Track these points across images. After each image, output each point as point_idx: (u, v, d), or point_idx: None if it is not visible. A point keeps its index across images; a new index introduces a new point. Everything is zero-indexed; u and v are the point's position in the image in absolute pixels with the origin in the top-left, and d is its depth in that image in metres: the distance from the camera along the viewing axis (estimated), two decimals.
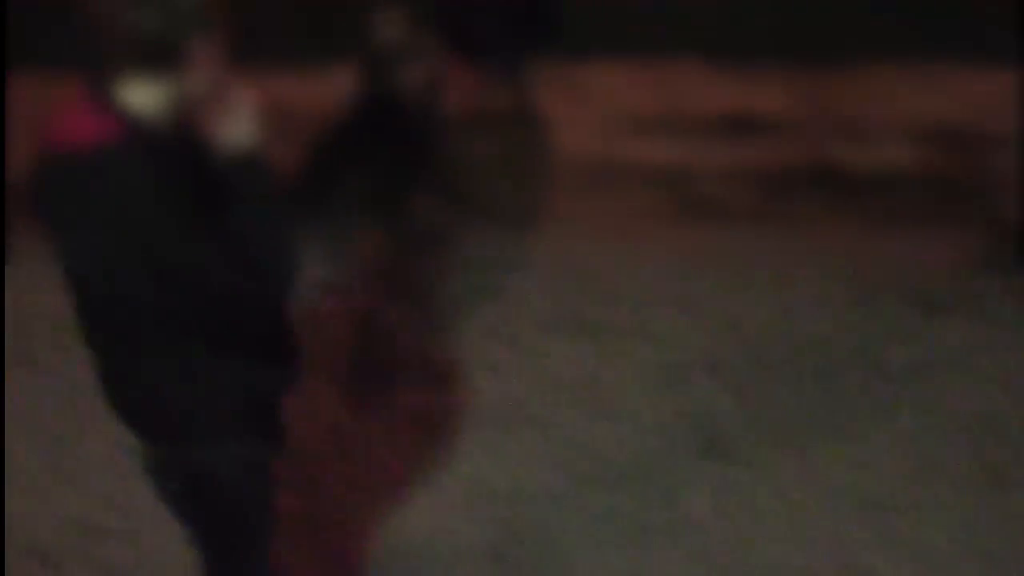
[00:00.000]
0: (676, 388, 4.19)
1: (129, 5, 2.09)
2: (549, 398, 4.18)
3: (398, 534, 3.58)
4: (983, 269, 4.81)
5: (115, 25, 2.09)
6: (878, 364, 4.23)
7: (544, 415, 4.10)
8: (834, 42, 6.39)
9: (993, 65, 5.75)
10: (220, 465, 2.38)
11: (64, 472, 4.00)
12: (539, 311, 4.69)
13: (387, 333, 4.15)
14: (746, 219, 5.34)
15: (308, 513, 3.23)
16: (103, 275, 2.16)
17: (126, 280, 2.14)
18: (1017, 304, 4.58)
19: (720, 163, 5.79)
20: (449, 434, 3.90)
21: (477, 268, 4.89)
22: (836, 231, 5.20)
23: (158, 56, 2.12)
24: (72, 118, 2.16)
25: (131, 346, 2.26)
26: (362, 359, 3.83)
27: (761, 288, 4.78)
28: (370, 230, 5.18)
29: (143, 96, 2.14)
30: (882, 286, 4.71)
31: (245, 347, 2.32)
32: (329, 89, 4.93)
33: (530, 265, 4.90)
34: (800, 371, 4.23)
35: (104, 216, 2.08)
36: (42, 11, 6.92)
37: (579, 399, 4.17)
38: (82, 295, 2.25)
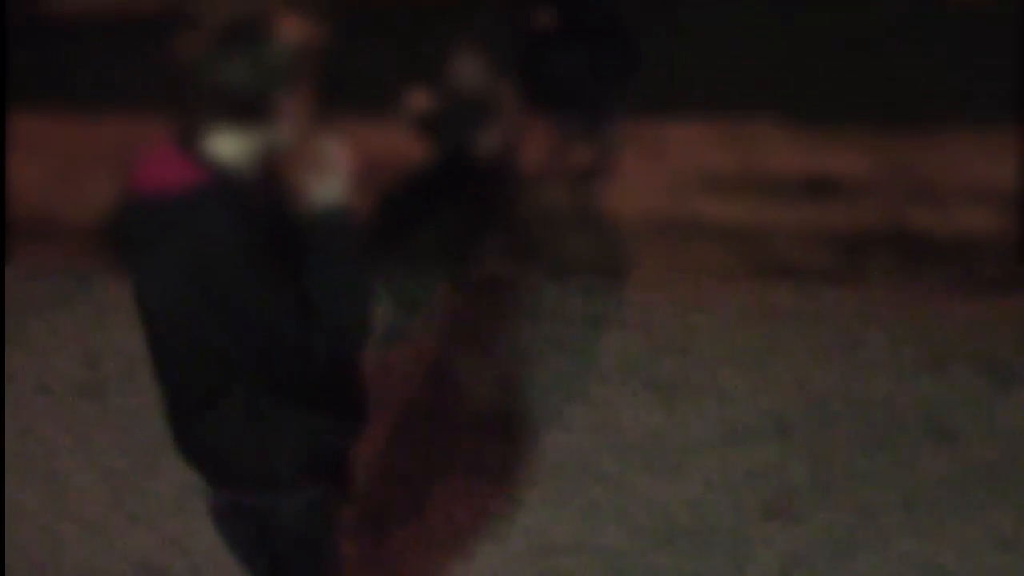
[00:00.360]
0: (743, 447, 4.19)
1: (219, 58, 2.11)
2: (616, 453, 4.19)
3: None
4: None
5: (205, 77, 2.12)
6: (947, 432, 4.19)
7: (610, 470, 4.11)
8: (912, 106, 6.41)
9: None
10: (285, 511, 2.39)
11: (128, 510, 4.07)
12: (609, 366, 4.71)
13: (455, 382, 4.21)
14: (819, 279, 5.32)
15: (372, 560, 3.26)
16: (179, 318, 2.19)
17: (200, 325, 2.16)
18: None
19: (795, 223, 5.80)
20: (513, 485, 3.95)
21: (546, 320, 4.96)
22: (909, 294, 5.16)
23: (246, 108, 2.15)
24: (159, 164, 2.19)
25: (202, 390, 2.28)
26: (429, 407, 3.87)
27: (831, 349, 4.76)
28: (441, 281, 5.27)
29: (230, 146, 2.19)
30: (953, 352, 4.66)
31: (314, 396, 2.32)
32: (407, 138, 5.04)
33: (601, 320, 4.97)
34: (868, 434, 4.20)
35: (184, 261, 2.10)
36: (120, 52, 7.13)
37: (646, 455, 4.18)
38: (156, 335, 2.28)
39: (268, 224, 2.16)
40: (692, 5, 8.12)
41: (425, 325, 5.05)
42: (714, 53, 7.45)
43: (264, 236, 2.13)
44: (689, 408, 4.42)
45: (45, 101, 7.61)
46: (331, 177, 2.21)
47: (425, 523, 3.89)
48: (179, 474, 2.55)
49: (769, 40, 7.53)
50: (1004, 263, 5.37)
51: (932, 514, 3.79)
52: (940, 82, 6.36)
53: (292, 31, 2.15)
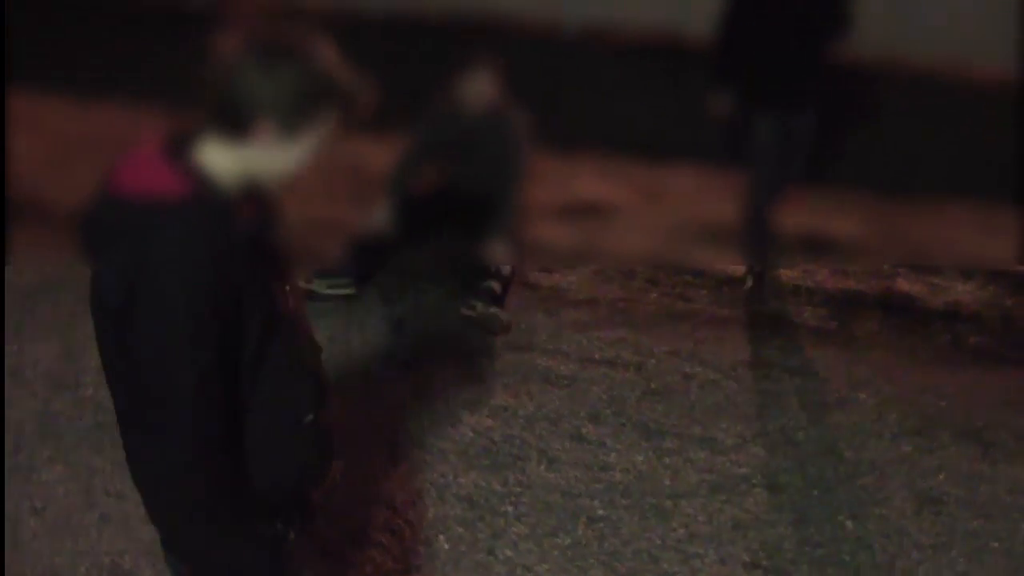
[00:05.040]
0: (731, 497, 4.23)
1: (247, 72, 2.07)
2: (604, 493, 4.22)
3: None
4: None
5: (230, 87, 2.08)
6: (932, 498, 4.24)
7: (597, 510, 4.14)
8: (909, 176, 6.50)
9: None
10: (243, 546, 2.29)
11: (99, 510, 4.04)
12: (599, 404, 4.74)
13: (448, 412, 4.19)
14: (810, 337, 5.38)
15: None
16: (110, 325, 2.12)
17: (158, 328, 2.07)
18: None
19: (788, 279, 5.86)
20: (499, 518, 3.95)
21: (540, 355, 4.98)
22: (897, 359, 5.23)
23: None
24: (143, 166, 2.14)
25: (136, 410, 2.21)
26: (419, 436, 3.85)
27: (820, 407, 4.81)
28: (440, 308, 5.28)
29: (222, 161, 2.14)
30: (939, 419, 4.73)
31: (284, 430, 2.28)
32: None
33: (594, 358, 5.00)
34: (855, 496, 4.25)
35: (132, 268, 2.05)
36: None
37: (633, 498, 4.21)
38: (108, 334, 2.19)
39: (247, 240, 2.13)
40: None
41: (420, 351, 5.07)
42: None
43: (241, 252, 2.10)
44: (678, 454, 4.46)
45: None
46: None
47: (406, 550, 3.90)
48: None
49: None
50: (991, 336, 5.45)
51: None
52: (940, 154, 6.45)
53: (326, 58, 2.13)
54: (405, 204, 5.23)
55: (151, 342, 2.06)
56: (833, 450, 4.53)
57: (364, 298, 5.32)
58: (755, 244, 5.76)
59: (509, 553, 3.93)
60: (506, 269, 5.21)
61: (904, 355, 5.28)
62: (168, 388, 2.07)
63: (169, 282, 2.03)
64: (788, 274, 5.89)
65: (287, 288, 2.25)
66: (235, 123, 2.09)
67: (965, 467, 4.43)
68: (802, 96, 5.46)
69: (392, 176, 5.22)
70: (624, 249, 6.08)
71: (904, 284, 5.89)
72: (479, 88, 5.04)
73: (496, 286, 5.14)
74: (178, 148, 2.15)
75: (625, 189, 6.64)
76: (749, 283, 5.79)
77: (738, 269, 5.87)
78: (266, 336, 2.16)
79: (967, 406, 4.82)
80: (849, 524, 4.11)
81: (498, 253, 5.17)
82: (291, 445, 2.27)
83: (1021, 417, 4.75)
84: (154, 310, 2.04)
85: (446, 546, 3.94)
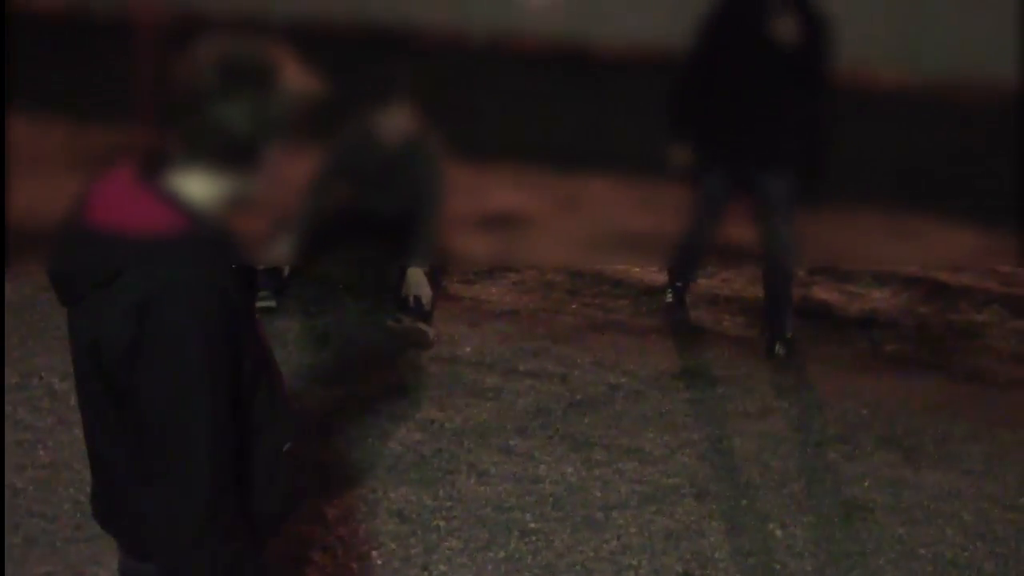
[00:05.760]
0: (662, 507, 4.24)
1: (218, 97, 1.99)
2: (535, 506, 4.20)
3: None
4: (958, 416, 4.91)
5: (199, 114, 2.00)
6: (858, 505, 4.30)
7: (530, 523, 4.12)
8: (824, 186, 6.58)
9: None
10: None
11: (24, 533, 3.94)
12: (527, 416, 4.73)
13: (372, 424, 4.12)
14: (731, 345, 5.43)
15: None
16: (150, 358, 2.00)
17: (173, 366, 1.98)
18: (988, 450, 4.68)
19: (706, 287, 5.91)
20: (431, 532, 3.89)
21: (464, 367, 4.95)
22: (817, 367, 5.30)
23: (235, 153, 2.03)
24: (120, 196, 2.05)
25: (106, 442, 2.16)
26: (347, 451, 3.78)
27: (744, 416, 4.85)
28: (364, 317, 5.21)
29: (202, 189, 2.05)
30: (861, 426, 4.80)
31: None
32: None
33: (518, 369, 4.98)
34: (782, 504, 4.29)
35: (165, 305, 1.97)
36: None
37: (565, 510, 4.20)
38: (99, 380, 2.09)
39: (237, 298, 2.05)
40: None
41: (344, 364, 5.02)
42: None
43: (231, 311, 2.02)
44: (608, 465, 4.46)
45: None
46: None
47: (340, 568, 3.85)
48: None
49: None
50: (907, 342, 5.54)
51: None
52: (855, 166, 6.56)
53: (295, 81, 2.05)
54: (316, 221, 5.14)
55: (165, 381, 1.97)
56: (759, 458, 4.56)
57: (285, 311, 5.25)
58: (680, 270, 5.69)
59: (443, 568, 3.89)
60: (427, 288, 5.17)
61: (823, 362, 5.36)
62: (183, 430, 1.98)
63: (182, 318, 1.95)
64: (706, 283, 5.94)
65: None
66: (238, 155, 2.03)
67: (889, 473, 4.50)
68: (771, 156, 5.11)
69: (305, 193, 5.12)
70: (541, 259, 6.08)
71: (821, 292, 5.98)
72: (397, 123, 4.99)
73: (426, 301, 5.11)
74: (151, 175, 2.06)
75: (540, 199, 6.64)
76: (669, 298, 5.74)
77: (656, 279, 5.90)
78: (257, 367, 2.11)
79: (888, 412, 4.89)
80: (779, 532, 4.14)
81: (420, 272, 5.15)
82: (274, 474, 2.21)
83: (941, 423, 4.84)
84: (168, 348, 1.96)
85: (379, 562, 3.90)
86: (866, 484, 4.42)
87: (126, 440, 2.09)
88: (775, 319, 5.33)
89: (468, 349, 5.19)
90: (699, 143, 5.18)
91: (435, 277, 5.37)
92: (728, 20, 5.01)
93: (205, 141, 2.02)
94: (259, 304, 5.15)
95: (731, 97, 5.00)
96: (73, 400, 2.37)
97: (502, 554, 3.97)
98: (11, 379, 4.66)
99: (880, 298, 5.93)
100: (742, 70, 4.99)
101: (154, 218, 2.01)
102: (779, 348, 5.27)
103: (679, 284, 5.71)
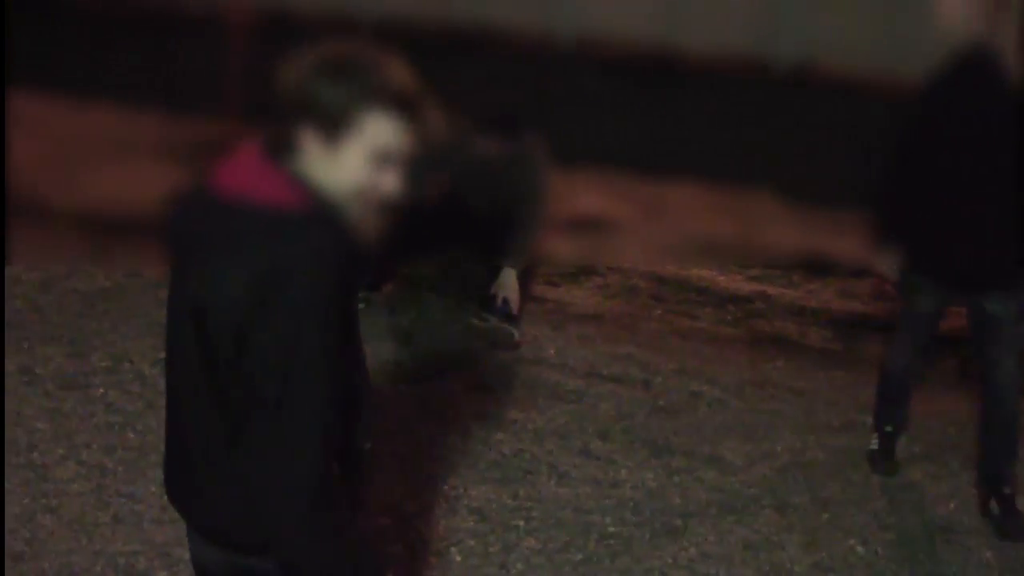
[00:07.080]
0: (741, 517, 4.21)
1: (321, 83, 2.07)
2: (614, 510, 4.20)
3: None
4: None
5: (306, 97, 2.08)
6: (947, 527, 4.24)
7: (608, 527, 4.11)
8: None
9: None
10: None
11: (112, 510, 4.00)
12: (608, 421, 4.72)
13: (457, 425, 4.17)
14: (813, 357, 5.38)
15: None
16: (272, 320, 2.05)
17: (293, 327, 2.03)
18: None
19: (791, 299, 5.86)
20: (511, 532, 3.92)
21: (548, 369, 4.96)
22: None
23: (342, 131, 2.09)
24: (247, 169, 2.13)
25: (197, 413, 2.18)
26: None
27: (826, 428, 4.80)
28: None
29: (324, 174, 2.11)
30: (947, 446, 4.73)
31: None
32: None
33: (602, 373, 4.97)
34: (865, 521, 4.24)
35: (287, 274, 2.02)
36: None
37: (644, 515, 4.18)
38: (183, 338, 2.16)
39: (353, 266, 2.12)
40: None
41: (427, 363, 5.04)
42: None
43: (349, 278, 2.09)
44: (688, 472, 4.44)
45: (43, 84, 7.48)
46: None
47: (419, 562, 3.87)
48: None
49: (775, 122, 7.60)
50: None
51: None
52: None
53: (398, 73, 2.13)
54: (409, 213, 5.16)
55: (283, 349, 2.02)
56: (841, 473, 4.51)
57: (370, 309, 5.28)
58: (886, 409, 4.52)
59: (521, 567, 3.90)
60: (516, 291, 5.17)
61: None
62: (298, 398, 2.03)
63: (306, 289, 2.01)
64: (792, 294, 5.89)
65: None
66: (334, 125, 2.08)
67: (976, 495, 4.42)
68: (998, 274, 4.07)
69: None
70: (626, 264, 6.05)
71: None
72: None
73: (514, 304, 5.12)
74: (277, 156, 2.13)
75: (625, 203, 6.62)
76: (873, 445, 4.55)
77: (742, 287, 5.86)
78: (351, 365, 2.19)
79: (974, 434, 4.80)
80: (860, 549, 4.10)
81: (513, 273, 5.16)
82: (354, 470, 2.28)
83: None
84: (288, 318, 2.01)
85: (458, 558, 3.91)
86: (952, 505, 4.36)
87: (214, 413, 2.14)
88: (991, 468, 4.32)
89: (551, 351, 5.18)
90: (911, 256, 4.21)
91: (524, 281, 5.38)
92: (956, 100, 3.94)
93: (317, 131, 2.09)
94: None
95: (954, 199, 4.03)
96: (162, 385, 2.38)
97: (580, 556, 3.97)
98: (102, 363, 4.74)
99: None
100: (969, 165, 3.96)
101: (280, 193, 2.08)
102: (994, 506, 4.27)
103: (888, 429, 4.52)
